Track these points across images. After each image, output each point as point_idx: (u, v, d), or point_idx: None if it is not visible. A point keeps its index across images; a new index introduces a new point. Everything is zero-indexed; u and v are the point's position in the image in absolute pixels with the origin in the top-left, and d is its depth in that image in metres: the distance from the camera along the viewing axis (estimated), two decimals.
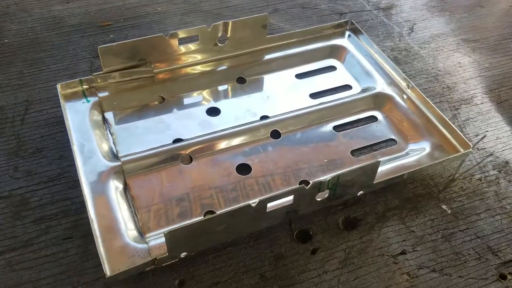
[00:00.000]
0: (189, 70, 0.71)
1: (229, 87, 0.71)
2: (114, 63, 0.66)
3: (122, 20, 0.82)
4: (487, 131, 0.67)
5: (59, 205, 0.55)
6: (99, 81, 0.66)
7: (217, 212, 0.52)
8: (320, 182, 0.50)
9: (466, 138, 0.63)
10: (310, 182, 0.49)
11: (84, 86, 0.66)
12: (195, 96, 0.69)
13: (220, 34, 0.70)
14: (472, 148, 0.60)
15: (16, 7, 0.83)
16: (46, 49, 0.75)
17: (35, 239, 0.52)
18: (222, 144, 0.62)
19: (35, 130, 0.63)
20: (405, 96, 0.69)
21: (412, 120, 0.66)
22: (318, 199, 0.53)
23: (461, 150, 0.61)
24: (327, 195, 0.53)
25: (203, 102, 0.68)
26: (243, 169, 0.60)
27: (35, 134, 0.63)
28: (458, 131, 0.61)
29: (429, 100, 0.65)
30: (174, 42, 0.68)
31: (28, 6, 0.83)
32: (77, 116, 0.62)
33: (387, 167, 0.60)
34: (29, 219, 0.54)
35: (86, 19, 0.81)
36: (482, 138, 0.66)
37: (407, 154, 0.63)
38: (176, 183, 0.57)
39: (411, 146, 0.64)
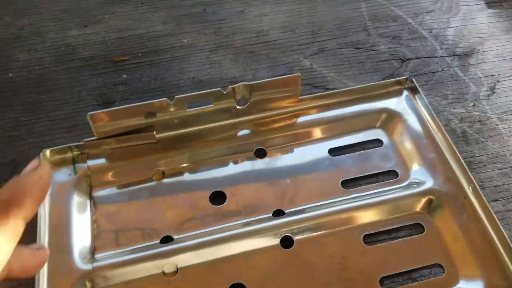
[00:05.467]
0: (199, 138, 0.59)
1: (244, 162, 0.58)
2: (108, 128, 0.56)
3: (140, 54, 0.71)
4: None
5: None
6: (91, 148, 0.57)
7: None
8: None
9: None
10: None
11: (75, 152, 0.57)
12: (200, 173, 0.57)
13: (239, 97, 0.58)
14: None
15: (30, 29, 0.74)
16: (50, 90, 0.67)
17: None
18: (217, 252, 0.50)
19: None
20: (465, 201, 0.53)
21: (470, 241, 0.50)
22: None
23: None
24: None
25: (209, 182, 0.56)
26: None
27: None
28: None
29: (494, 215, 0.49)
30: (182, 106, 0.56)
31: (43, 28, 0.74)
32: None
33: None
34: None
35: (101, 50, 0.71)
36: None
37: None
38: None
39: (462, 283, 0.48)
